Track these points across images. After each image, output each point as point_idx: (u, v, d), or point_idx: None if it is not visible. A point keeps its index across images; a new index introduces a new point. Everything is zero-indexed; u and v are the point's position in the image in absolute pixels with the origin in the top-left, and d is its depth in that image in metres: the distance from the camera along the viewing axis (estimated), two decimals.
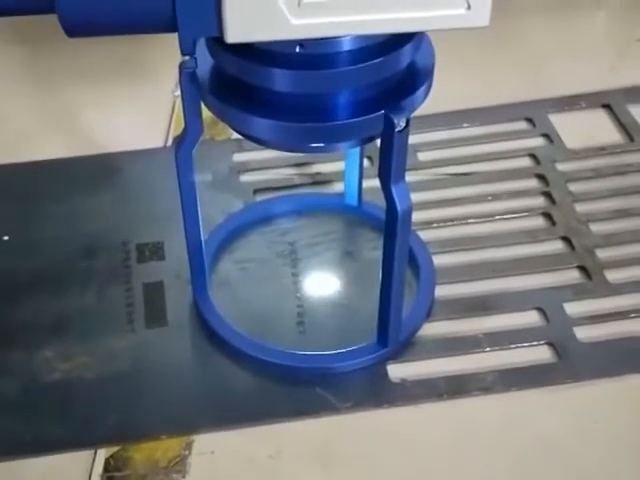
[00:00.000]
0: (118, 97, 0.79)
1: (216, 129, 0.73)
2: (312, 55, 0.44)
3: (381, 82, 0.45)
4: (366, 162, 0.67)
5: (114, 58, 0.81)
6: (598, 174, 0.69)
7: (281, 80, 0.44)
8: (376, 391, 0.55)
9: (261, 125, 0.46)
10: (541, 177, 0.69)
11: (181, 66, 0.47)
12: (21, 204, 0.69)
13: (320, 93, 0.45)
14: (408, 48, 0.45)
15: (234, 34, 0.42)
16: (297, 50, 0.43)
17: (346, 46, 0.44)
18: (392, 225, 0.49)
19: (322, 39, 0.43)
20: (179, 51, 0.44)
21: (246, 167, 0.71)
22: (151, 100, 0.78)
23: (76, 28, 0.42)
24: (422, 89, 0.47)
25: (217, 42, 0.44)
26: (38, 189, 0.70)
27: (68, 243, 0.65)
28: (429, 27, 0.43)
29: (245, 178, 0.70)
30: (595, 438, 0.53)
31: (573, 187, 0.68)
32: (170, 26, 0.42)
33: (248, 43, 0.43)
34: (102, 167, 0.71)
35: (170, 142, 0.74)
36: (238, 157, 0.72)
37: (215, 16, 0.42)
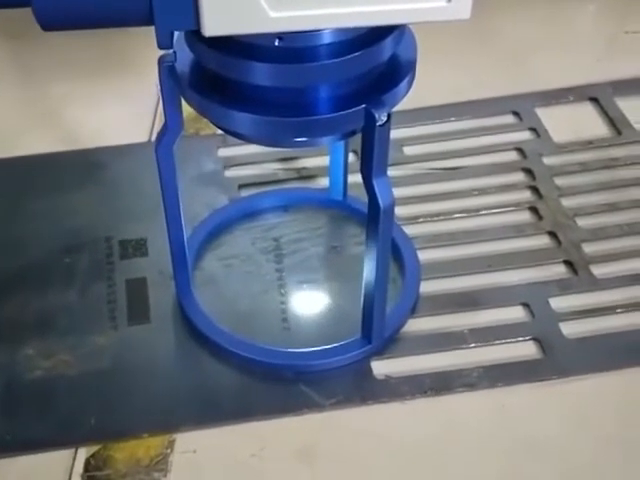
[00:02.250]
0: (102, 92, 0.78)
1: (200, 124, 0.72)
2: (291, 48, 0.43)
3: (362, 76, 0.45)
4: (351, 156, 0.67)
5: (98, 52, 0.81)
6: (585, 168, 0.69)
7: (260, 74, 0.44)
8: (360, 388, 0.55)
9: (242, 120, 0.46)
10: (528, 171, 0.69)
11: (160, 60, 0.46)
12: (3, 199, 0.68)
13: (300, 87, 0.45)
14: (389, 41, 0.44)
15: (212, 27, 0.41)
16: (276, 43, 0.43)
17: (326, 39, 0.43)
18: (375, 220, 0.49)
19: (301, 32, 0.42)
20: None
21: (231, 162, 0.70)
22: (135, 95, 0.78)
23: (51, 21, 0.42)
24: (404, 83, 0.46)
25: (195, 35, 0.43)
26: (21, 184, 0.69)
27: (51, 239, 0.65)
28: (409, 20, 0.43)
29: (230, 173, 0.70)
30: (581, 433, 0.53)
31: (560, 181, 0.68)
32: (146, 19, 0.42)
33: (226, 36, 0.42)
34: (86, 162, 0.71)
35: (154, 137, 0.73)
36: (223, 152, 0.71)
37: (192, 9, 0.41)
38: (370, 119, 0.45)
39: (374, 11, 0.41)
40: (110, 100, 0.77)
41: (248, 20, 0.41)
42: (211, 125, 0.72)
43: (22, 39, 0.84)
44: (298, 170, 0.69)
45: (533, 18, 0.85)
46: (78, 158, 0.72)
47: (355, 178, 0.64)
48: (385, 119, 0.44)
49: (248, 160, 0.70)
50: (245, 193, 0.68)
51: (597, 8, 0.88)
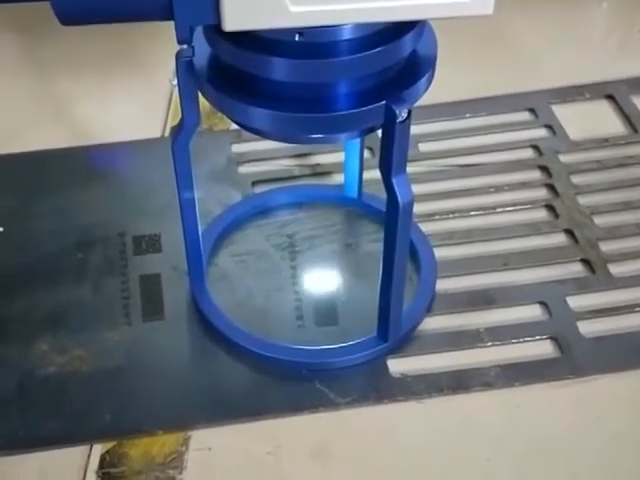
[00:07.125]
0: (115, 86, 0.78)
1: (214, 119, 0.72)
2: (312, 44, 0.43)
3: (382, 72, 0.44)
4: (367, 153, 0.66)
5: (111, 46, 0.80)
6: (601, 166, 0.68)
7: (280, 69, 0.43)
8: (376, 386, 0.55)
9: (259, 115, 0.45)
10: (544, 169, 0.68)
11: (178, 55, 0.46)
12: (16, 195, 0.68)
13: (320, 83, 0.44)
14: (409, 37, 0.44)
15: (232, 22, 0.41)
16: (296, 38, 0.42)
17: (346, 34, 0.43)
18: (393, 218, 0.49)
19: (322, 27, 0.42)
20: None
21: (245, 158, 0.70)
22: (148, 89, 0.77)
23: (70, 16, 0.41)
24: (424, 79, 0.46)
25: (215, 30, 0.43)
26: (34, 180, 0.69)
27: (64, 235, 0.64)
28: (432, 15, 0.42)
29: (243, 169, 0.69)
30: (597, 433, 0.52)
31: (576, 179, 0.67)
32: (166, 14, 0.41)
33: (246, 31, 0.42)
34: (98, 158, 0.70)
35: (168, 132, 0.73)
36: (237, 148, 0.71)
37: (212, 3, 0.41)
38: (390, 115, 0.44)
39: (396, 6, 0.41)
40: (123, 95, 0.77)
41: (269, 15, 0.41)
42: (225, 120, 0.72)
43: (33, 33, 0.83)
44: (312, 167, 0.69)
45: (548, 16, 0.85)
46: (90, 153, 0.71)
47: (370, 175, 0.64)
48: (406, 115, 0.44)
49: (262, 156, 0.70)
50: (259, 189, 0.68)
51: (610, 6, 0.88)
